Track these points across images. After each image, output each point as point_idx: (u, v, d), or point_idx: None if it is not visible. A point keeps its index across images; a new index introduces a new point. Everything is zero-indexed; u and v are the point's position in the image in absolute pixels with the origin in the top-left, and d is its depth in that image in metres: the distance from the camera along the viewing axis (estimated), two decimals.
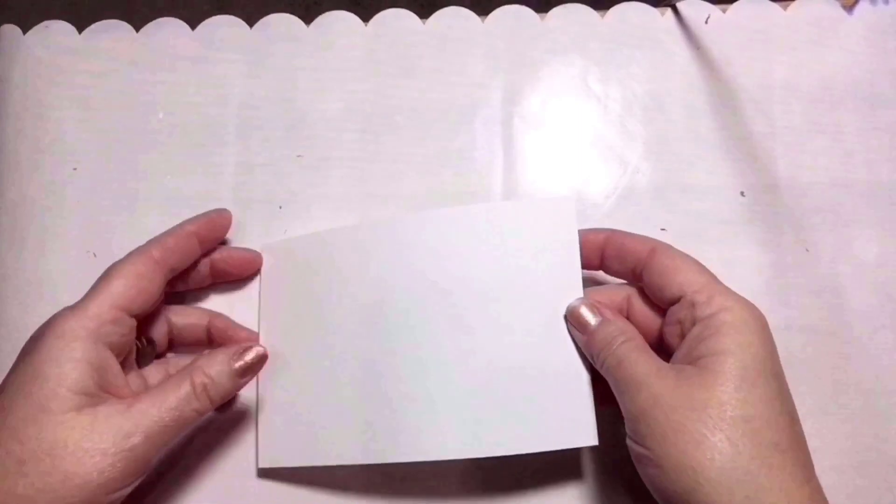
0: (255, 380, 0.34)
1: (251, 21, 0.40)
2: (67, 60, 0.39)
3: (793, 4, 0.38)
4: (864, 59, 0.38)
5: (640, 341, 0.28)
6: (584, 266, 0.31)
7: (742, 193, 0.36)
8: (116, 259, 0.31)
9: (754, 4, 0.38)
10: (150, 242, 0.32)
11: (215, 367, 0.29)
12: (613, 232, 0.31)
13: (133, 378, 0.31)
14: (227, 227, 0.35)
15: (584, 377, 0.30)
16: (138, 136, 0.38)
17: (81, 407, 0.27)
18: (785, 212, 0.36)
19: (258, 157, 0.38)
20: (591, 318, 0.29)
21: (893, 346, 0.35)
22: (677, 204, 0.36)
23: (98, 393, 0.28)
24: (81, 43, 0.40)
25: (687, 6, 0.38)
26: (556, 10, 0.39)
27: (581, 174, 0.37)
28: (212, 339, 0.34)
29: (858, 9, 0.38)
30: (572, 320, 0.30)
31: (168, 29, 0.40)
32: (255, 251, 0.36)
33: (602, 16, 0.39)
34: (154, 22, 0.40)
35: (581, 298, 0.30)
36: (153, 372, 0.33)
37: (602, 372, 0.29)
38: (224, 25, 0.39)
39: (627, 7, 0.39)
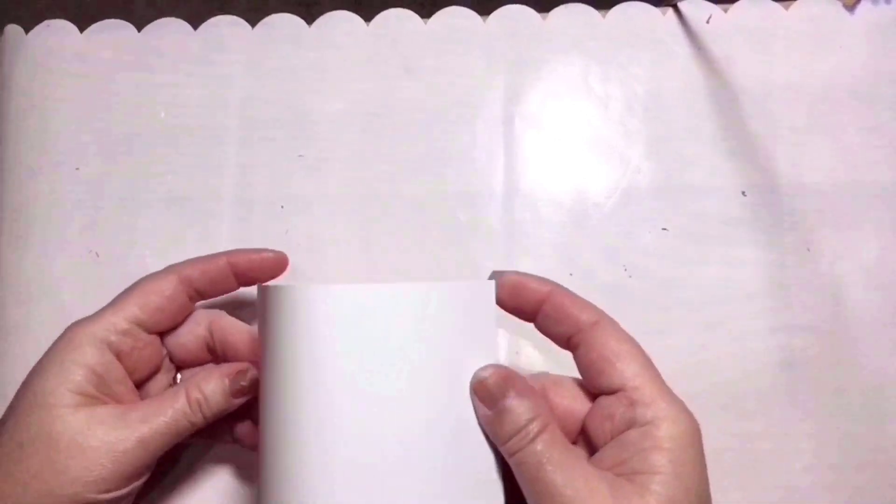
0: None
1: (252, 21, 0.40)
2: (69, 60, 0.39)
3: (794, 4, 0.38)
4: (864, 59, 0.38)
5: (557, 430, 0.25)
6: (518, 316, 0.28)
7: (743, 193, 0.36)
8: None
9: (755, 4, 0.38)
10: (184, 263, 0.31)
11: (210, 384, 0.29)
12: (557, 288, 0.27)
13: (144, 389, 0.32)
14: (277, 274, 0.33)
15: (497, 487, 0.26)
16: (140, 136, 0.38)
17: (78, 406, 0.27)
18: (786, 212, 0.36)
19: (259, 157, 0.38)
20: (498, 389, 0.25)
21: (894, 346, 0.35)
22: (678, 204, 0.36)
23: (98, 396, 0.28)
24: (83, 42, 0.40)
25: (688, 6, 0.38)
26: (557, 10, 0.39)
27: (582, 174, 0.37)
28: (212, 350, 0.33)
29: (859, 8, 0.38)
30: (478, 392, 0.26)
31: (170, 29, 0.40)
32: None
33: (603, 15, 0.39)
34: (156, 22, 0.40)
35: (493, 365, 0.26)
36: (161, 380, 0.33)
37: (512, 465, 0.25)
38: (225, 25, 0.40)
39: (628, 7, 0.39)
